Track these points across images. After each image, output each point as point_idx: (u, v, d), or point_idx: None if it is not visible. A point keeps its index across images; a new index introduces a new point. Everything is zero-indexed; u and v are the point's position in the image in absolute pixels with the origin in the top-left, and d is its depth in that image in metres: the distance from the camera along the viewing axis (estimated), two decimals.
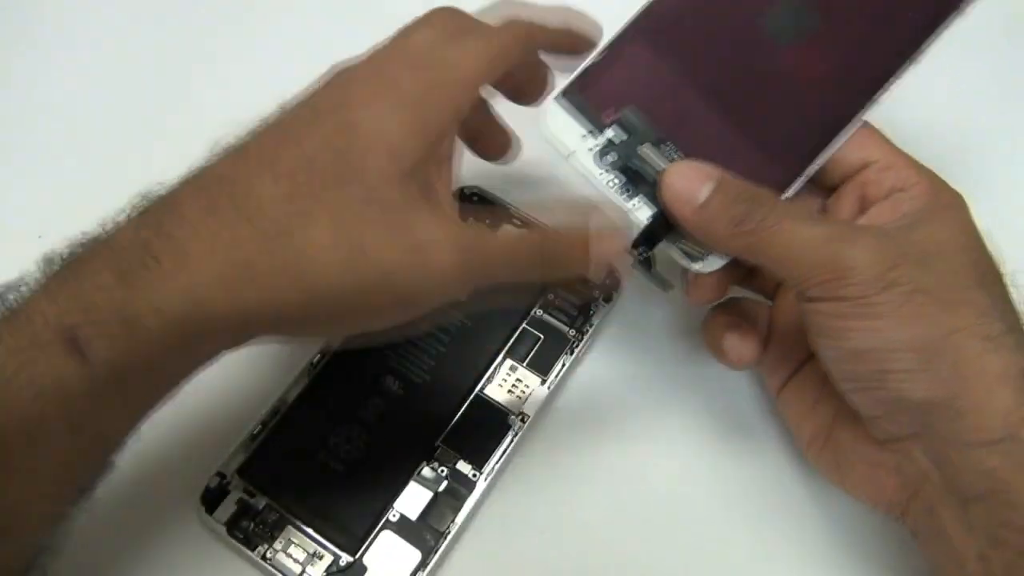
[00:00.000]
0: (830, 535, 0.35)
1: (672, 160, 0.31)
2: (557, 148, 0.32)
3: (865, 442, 0.30)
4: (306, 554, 0.33)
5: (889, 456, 0.30)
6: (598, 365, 0.39)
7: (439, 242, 0.27)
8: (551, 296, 0.38)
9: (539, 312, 0.38)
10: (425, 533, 0.34)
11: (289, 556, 0.33)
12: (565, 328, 0.38)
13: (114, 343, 0.24)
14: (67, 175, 0.42)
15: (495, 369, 0.37)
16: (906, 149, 0.32)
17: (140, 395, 0.26)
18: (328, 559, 0.33)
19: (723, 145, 0.31)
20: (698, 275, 0.32)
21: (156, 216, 0.26)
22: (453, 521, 0.34)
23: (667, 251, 0.31)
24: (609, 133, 0.31)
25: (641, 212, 0.31)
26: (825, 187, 0.33)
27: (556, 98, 0.32)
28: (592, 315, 0.38)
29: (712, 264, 0.31)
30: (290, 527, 0.33)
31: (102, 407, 0.25)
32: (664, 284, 0.33)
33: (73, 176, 0.42)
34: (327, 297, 0.26)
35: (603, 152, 0.31)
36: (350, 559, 0.33)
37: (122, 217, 0.26)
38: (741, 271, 0.33)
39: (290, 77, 0.30)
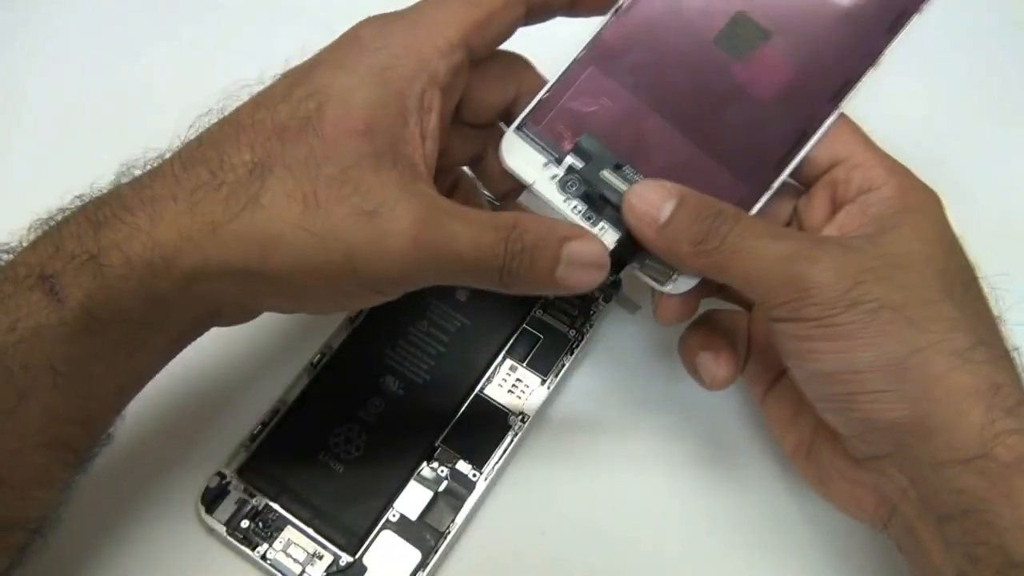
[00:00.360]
0: (821, 547, 0.35)
1: (633, 182, 0.31)
2: (519, 179, 0.32)
3: (843, 458, 0.30)
4: (306, 554, 0.33)
5: (866, 475, 0.29)
6: (599, 365, 0.39)
7: (398, 208, 0.27)
8: (551, 297, 0.38)
9: (539, 312, 0.38)
10: (425, 533, 0.34)
11: (289, 556, 0.33)
12: (565, 328, 0.38)
13: (84, 285, 0.25)
14: (67, 175, 0.42)
15: (495, 369, 0.37)
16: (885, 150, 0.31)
17: (118, 345, 0.27)
18: (328, 559, 0.33)
19: (684, 165, 0.31)
20: (665, 296, 0.31)
21: (139, 176, 0.27)
22: (453, 521, 0.34)
23: (635, 274, 0.31)
24: (568, 161, 0.31)
25: (607, 237, 0.31)
26: (797, 185, 0.33)
27: (513, 130, 0.32)
28: (592, 315, 0.38)
29: (682, 286, 0.31)
30: (290, 527, 0.33)
31: (81, 352, 0.26)
32: (632, 307, 0.33)
33: (73, 176, 0.42)
34: (289, 266, 0.26)
35: (564, 180, 0.31)
36: (350, 559, 0.33)
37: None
38: (712, 286, 0.32)
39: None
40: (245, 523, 0.33)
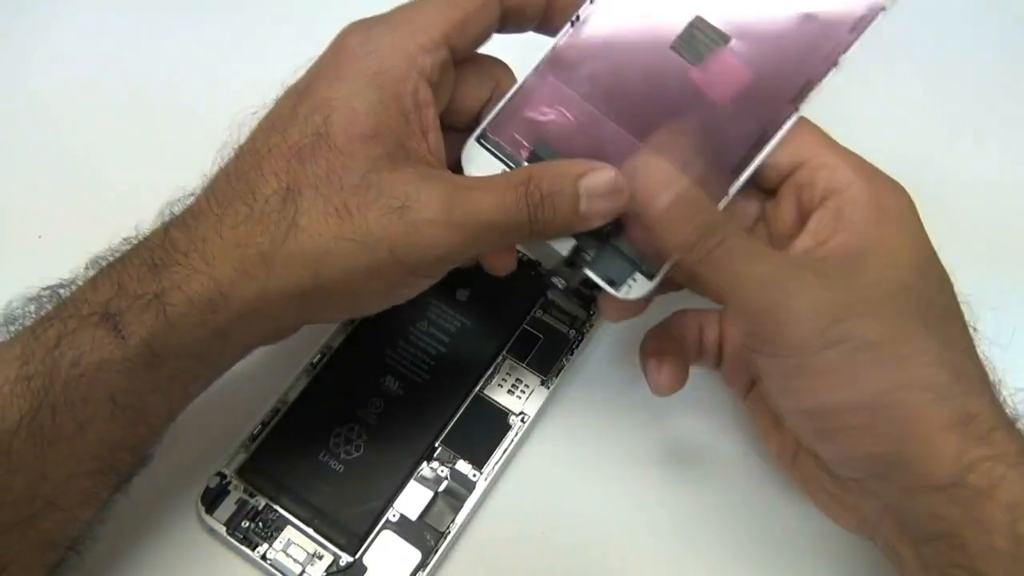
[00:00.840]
0: (831, 552, 0.35)
1: None
2: None
3: (826, 473, 0.30)
4: (306, 554, 0.33)
5: (847, 494, 0.30)
6: (600, 365, 0.39)
7: (423, 198, 0.28)
8: (551, 297, 0.38)
9: (539, 312, 0.38)
10: (425, 533, 0.34)
11: (289, 556, 0.33)
12: (565, 328, 0.38)
13: (147, 323, 0.27)
14: (67, 175, 0.42)
15: (495, 369, 0.37)
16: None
17: (174, 377, 0.28)
18: (328, 559, 0.33)
19: None
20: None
21: (182, 218, 0.29)
22: (453, 521, 0.34)
23: (590, 275, 0.31)
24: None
25: (561, 245, 0.31)
26: (764, 190, 0.32)
27: (474, 140, 0.32)
28: (592, 315, 0.38)
29: (635, 291, 0.30)
30: (290, 527, 0.33)
31: (140, 385, 0.27)
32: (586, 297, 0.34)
33: (73, 176, 0.42)
34: (341, 275, 0.28)
35: None
36: (350, 559, 0.33)
37: (156, 223, 0.29)
38: (673, 285, 0.32)
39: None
40: (245, 523, 0.33)
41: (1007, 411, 0.27)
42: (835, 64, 0.30)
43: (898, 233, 0.28)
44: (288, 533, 0.33)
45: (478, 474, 0.35)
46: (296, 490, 0.34)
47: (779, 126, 0.30)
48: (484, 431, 0.36)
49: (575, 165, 0.29)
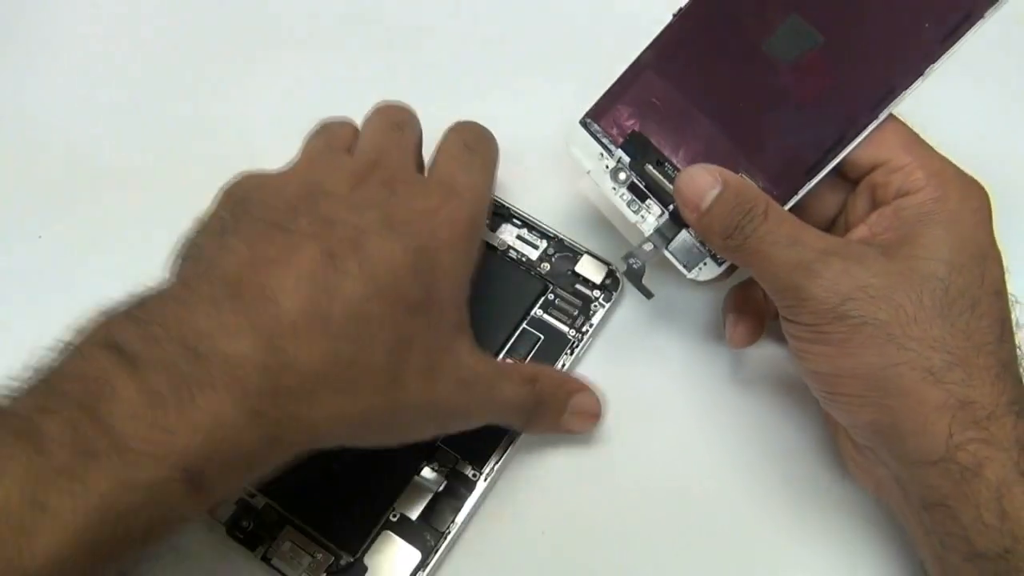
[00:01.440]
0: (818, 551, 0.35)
1: (672, 177, 0.33)
2: (578, 165, 0.36)
3: (849, 440, 0.33)
4: (306, 555, 0.33)
5: (864, 459, 0.32)
6: (599, 365, 0.38)
7: (477, 377, 0.31)
8: (551, 296, 0.38)
9: (539, 312, 0.38)
10: (425, 533, 0.34)
11: (289, 556, 0.33)
12: (565, 328, 0.38)
13: (230, 480, 0.25)
14: (67, 176, 0.42)
15: None
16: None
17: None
18: (328, 559, 0.33)
19: (723, 163, 0.32)
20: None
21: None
22: (453, 521, 0.34)
23: (668, 256, 0.34)
24: (619, 154, 0.35)
25: (646, 225, 0.35)
26: (848, 180, 0.33)
27: (578, 122, 0.36)
28: (592, 315, 0.38)
29: (705, 274, 0.34)
30: (290, 527, 0.33)
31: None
32: (647, 293, 0.35)
33: (73, 177, 0.42)
34: (408, 424, 0.30)
35: (615, 171, 0.35)
36: (350, 559, 0.33)
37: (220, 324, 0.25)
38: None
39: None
40: (245, 523, 0.33)
41: None
42: (922, 75, 0.30)
43: (946, 231, 0.30)
44: (288, 534, 0.33)
45: (478, 474, 0.35)
46: (296, 490, 0.34)
47: (858, 132, 0.31)
48: (484, 432, 0.35)
49: (573, 383, 0.36)
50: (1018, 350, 0.30)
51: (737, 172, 0.32)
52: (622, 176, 0.35)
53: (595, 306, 0.38)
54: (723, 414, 0.38)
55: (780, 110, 0.32)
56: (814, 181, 0.32)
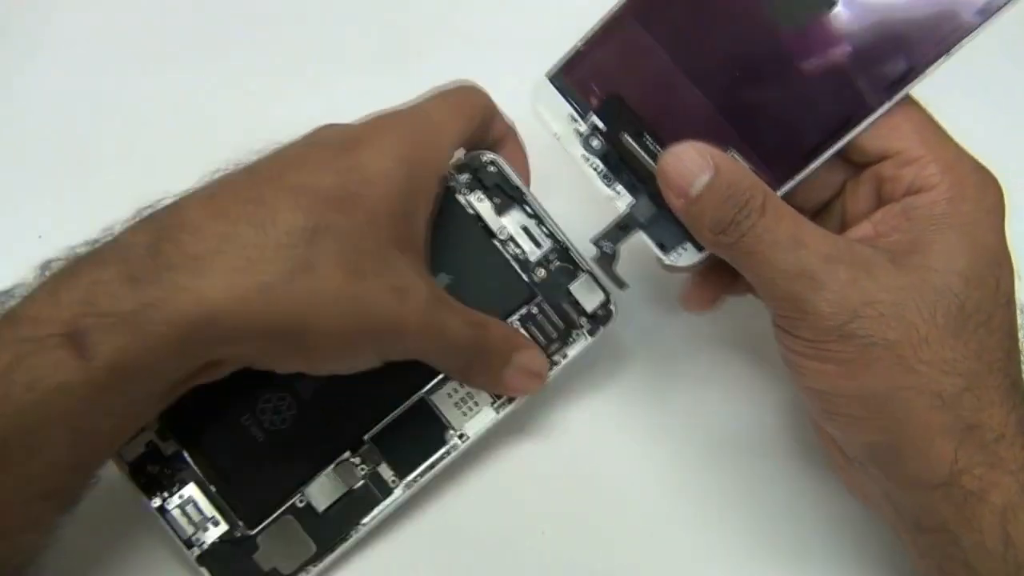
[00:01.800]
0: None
1: (654, 153, 0.30)
2: (546, 128, 0.32)
3: (840, 451, 0.31)
4: (202, 516, 0.32)
5: (853, 472, 0.31)
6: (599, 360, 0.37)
7: (415, 291, 0.29)
8: (535, 310, 0.35)
9: (516, 323, 0.35)
10: (327, 529, 0.32)
11: (185, 514, 0.32)
12: (542, 346, 0.34)
13: (117, 344, 0.25)
14: (67, 176, 0.41)
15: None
16: None
17: (138, 400, 0.27)
18: (223, 527, 0.32)
19: (709, 139, 0.28)
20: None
21: (164, 221, 0.27)
22: (358, 525, 0.33)
23: (643, 237, 0.31)
24: (593, 119, 0.31)
25: (620, 201, 0.31)
26: (849, 162, 0.30)
27: (546, 77, 0.31)
28: (570, 344, 0.35)
29: (685, 259, 0.31)
30: (194, 484, 0.32)
31: (101, 410, 0.26)
32: (620, 283, 0.33)
33: (73, 177, 0.41)
34: (328, 330, 0.28)
35: (588, 137, 0.31)
36: (247, 532, 0.32)
37: (128, 224, 0.27)
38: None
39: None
40: (150, 467, 0.32)
41: None
42: (947, 52, 0.26)
43: (961, 238, 0.27)
44: (190, 489, 0.32)
45: (397, 482, 0.33)
46: (210, 445, 0.33)
47: (868, 113, 0.28)
48: (417, 439, 0.33)
49: (519, 338, 0.33)
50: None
51: (727, 150, 0.29)
52: (595, 144, 0.31)
53: (576, 335, 0.35)
54: (727, 415, 0.37)
55: (781, 81, 0.28)
56: (814, 166, 0.28)
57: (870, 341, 0.26)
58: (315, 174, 0.28)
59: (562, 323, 0.35)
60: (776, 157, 0.29)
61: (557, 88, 0.31)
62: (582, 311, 0.35)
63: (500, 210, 0.35)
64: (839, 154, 0.29)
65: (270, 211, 0.27)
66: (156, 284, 0.25)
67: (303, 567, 0.32)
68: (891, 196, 0.28)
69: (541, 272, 0.35)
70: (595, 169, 0.31)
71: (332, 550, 0.32)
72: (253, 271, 0.26)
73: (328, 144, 0.30)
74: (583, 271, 0.34)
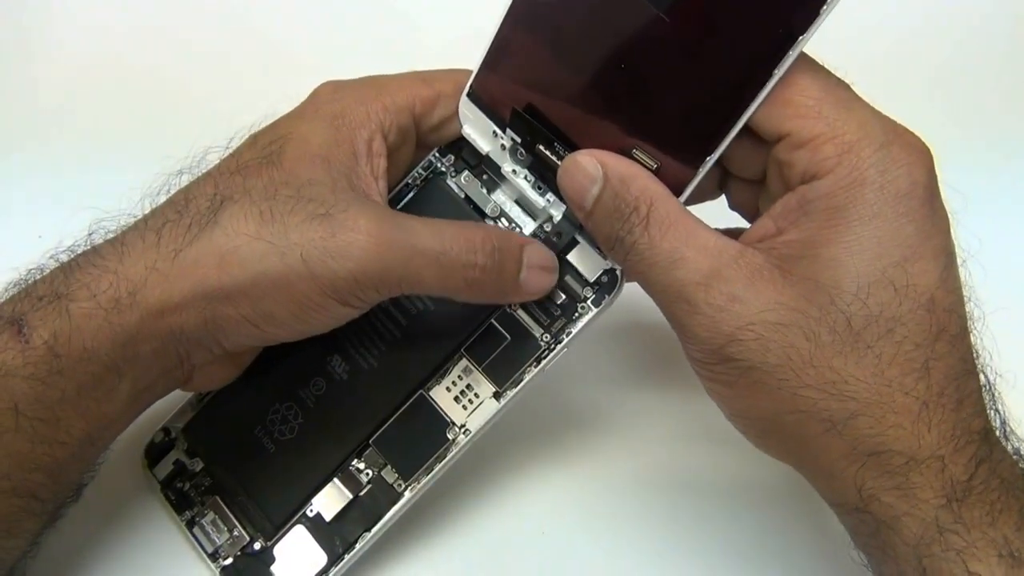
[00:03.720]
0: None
1: (563, 158, 0.28)
2: (476, 147, 0.31)
3: None
4: (226, 530, 0.32)
5: None
6: (597, 359, 0.33)
7: (351, 211, 0.27)
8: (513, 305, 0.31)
9: (513, 307, 0.31)
10: (335, 539, 0.31)
11: (211, 530, 0.33)
12: (538, 331, 0.31)
13: (50, 324, 0.26)
14: (67, 176, 0.43)
15: (448, 367, 0.31)
16: None
17: (86, 390, 0.27)
18: (243, 539, 0.32)
19: (616, 138, 0.27)
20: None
21: (115, 232, 0.29)
22: (364, 533, 0.31)
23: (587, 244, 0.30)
24: (510, 132, 0.29)
25: (556, 208, 0.30)
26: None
27: (466, 96, 0.30)
28: (576, 319, 0.30)
29: None
30: (218, 498, 0.33)
31: (46, 394, 0.26)
32: (575, 295, 0.30)
33: (73, 177, 0.43)
34: (247, 278, 0.27)
35: (513, 150, 0.30)
36: (264, 544, 0.32)
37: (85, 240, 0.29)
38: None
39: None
40: (180, 484, 0.33)
41: (969, 439, 0.24)
42: (819, 14, 0.23)
43: (856, 236, 0.24)
44: (215, 504, 0.33)
45: (403, 485, 0.31)
46: (228, 461, 0.33)
47: (756, 89, 0.24)
48: (419, 439, 0.31)
49: (519, 237, 0.30)
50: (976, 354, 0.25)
51: (631, 150, 0.27)
52: (521, 156, 0.29)
53: (582, 308, 0.30)
54: (702, 444, 0.35)
55: (665, 70, 0.25)
56: (715, 155, 0.26)
57: (749, 365, 0.25)
58: (237, 155, 0.29)
59: (563, 295, 0.31)
60: (678, 148, 0.26)
61: (477, 105, 0.30)
62: (584, 281, 0.31)
63: (489, 187, 0.32)
64: (745, 134, 0.25)
65: (186, 193, 0.29)
66: (84, 270, 0.27)
67: None
68: (788, 184, 0.26)
69: None
70: (527, 180, 0.30)
71: (340, 560, 0.31)
72: (164, 243, 0.27)
73: (254, 133, 0.31)
74: (579, 239, 0.30)
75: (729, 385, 0.26)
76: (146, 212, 0.29)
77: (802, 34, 0.23)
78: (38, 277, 0.28)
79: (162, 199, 0.30)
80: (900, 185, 0.24)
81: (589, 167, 0.26)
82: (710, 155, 0.26)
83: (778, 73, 0.24)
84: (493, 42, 0.29)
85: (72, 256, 0.28)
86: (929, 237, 0.24)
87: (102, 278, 0.27)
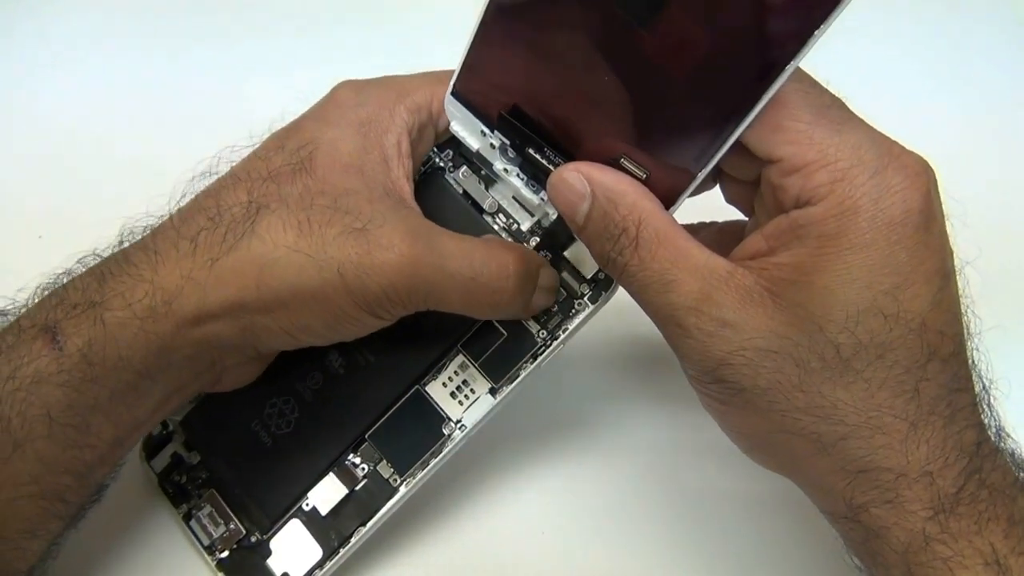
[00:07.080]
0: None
1: (554, 163, 0.27)
2: (467, 145, 0.30)
3: None
4: (222, 523, 0.33)
5: None
6: (597, 357, 0.33)
7: (388, 224, 0.27)
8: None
9: None
10: (331, 532, 0.31)
11: (207, 523, 0.33)
12: (535, 327, 0.31)
13: (84, 332, 0.26)
14: (68, 177, 0.43)
15: (445, 363, 0.32)
16: None
17: (117, 395, 0.27)
18: (240, 532, 0.32)
19: (602, 146, 0.26)
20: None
21: (143, 237, 0.29)
22: (360, 527, 0.31)
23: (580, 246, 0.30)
24: (498, 134, 0.29)
25: (550, 205, 0.28)
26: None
27: (450, 94, 0.29)
28: (573, 315, 0.31)
29: None
30: (214, 491, 0.33)
31: (79, 400, 0.26)
32: (572, 291, 0.30)
33: (74, 178, 0.42)
34: (284, 289, 0.27)
35: (502, 149, 0.29)
36: (260, 537, 0.32)
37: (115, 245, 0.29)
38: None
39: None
40: (177, 477, 0.34)
41: (957, 457, 0.24)
42: (825, 21, 0.21)
43: (847, 265, 0.23)
44: (212, 498, 0.33)
45: (398, 479, 0.31)
46: (225, 455, 0.33)
47: (746, 109, 0.23)
48: (415, 434, 0.31)
49: (537, 257, 0.30)
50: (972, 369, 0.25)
51: (618, 160, 0.26)
52: (511, 154, 0.29)
53: (579, 305, 0.31)
54: (689, 452, 0.34)
55: (651, 85, 0.24)
56: (704, 172, 0.25)
57: (739, 387, 0.25)
58: (265, 159, 0.29)
59: (561, 292, 0.31)
60: (668, 159, 0.25)
61: (463, 104, 0.29)
62: (581, 277, 0.31)
63: (487, 182, 0.32)
64: (738, 148, 0.24)
65: (217, 199, 0.28)
66: (118, 278, 0.27)
67: (311, 572, 0.31)
68: (781, 206, 0.25)
69: (534, 241, 0.32)
70: (520, 178, 0.29)
71: (336, 554, 0.31)
72: (200, 252, 0.27)
73: (277, 134, 0.30)
74: (575, 236, 0.31)
75: (722, 402, 0.26)
76: (173, 215, 0.29)
77: (793, 59, 0.22)
78: (66, 281, 0.28)
79: (186, 201, 0.29)
80: (894, 213, 0.23)
81: (576, 184, 0.26)
82: (701, 169, 0.25)
83: (768, 94, 0.23)
84: (472, 44, 0.28)
85: (100, 261, 0.28)
86: (922, 262, 0.24)
87: (137, 287, 0.27)
